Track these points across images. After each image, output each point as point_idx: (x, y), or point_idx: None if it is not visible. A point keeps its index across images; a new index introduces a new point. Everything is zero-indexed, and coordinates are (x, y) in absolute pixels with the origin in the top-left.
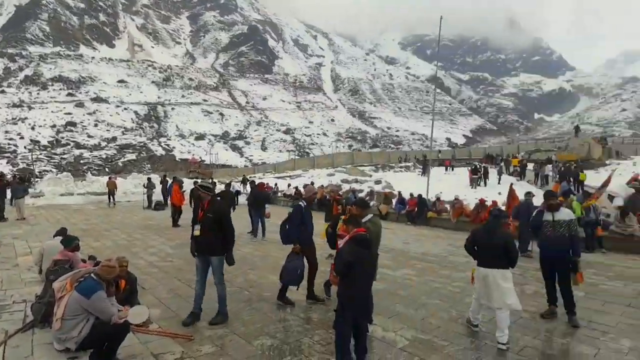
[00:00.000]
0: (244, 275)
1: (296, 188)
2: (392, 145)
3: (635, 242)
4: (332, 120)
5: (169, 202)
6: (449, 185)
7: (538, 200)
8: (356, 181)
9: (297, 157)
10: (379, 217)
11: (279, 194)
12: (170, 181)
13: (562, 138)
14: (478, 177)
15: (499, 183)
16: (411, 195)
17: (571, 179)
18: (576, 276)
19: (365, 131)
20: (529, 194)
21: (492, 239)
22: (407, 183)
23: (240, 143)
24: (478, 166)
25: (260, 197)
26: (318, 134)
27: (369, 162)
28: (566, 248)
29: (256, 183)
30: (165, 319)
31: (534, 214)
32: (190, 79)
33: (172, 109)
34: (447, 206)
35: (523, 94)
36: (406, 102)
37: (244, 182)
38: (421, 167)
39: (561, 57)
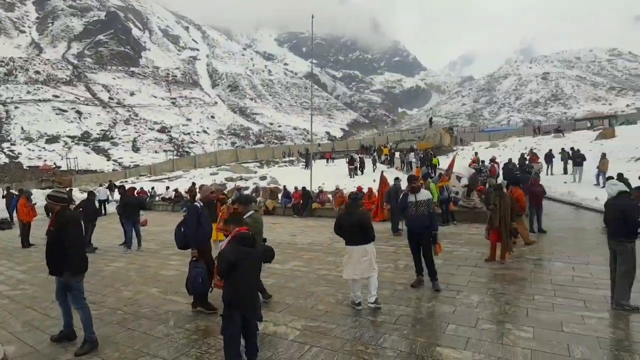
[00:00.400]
0: (116, 293)
1: (191, 187)
2: (276, 141)
3: (477, 213)
4: (213, 117)
5: (15, 218)
6: (331, 177)
7: (405, 185)
8: (241, 178)
9: (176, 157)
10: (265, 212)
11: (157, 198)
12: (16, 194)
13: (421, 129)
14: (355, 167)
15: (373, 171)
16: (296, 188)
17: (428, 164)
18: (436, 247)
19: (248, 127)
20: (397, 180)
21: (351, 219)
22: (291, 177)
23: (105, 145)
24: (354, 157)
25: (132, 204)
26: (198, 132)
27: (254, 159)
28: (427, 224)
29: (126, 188)
30: (22, 356)
31: (401, 196)
32: (37, 72)
33: (16, 107)
34: (330, 196)
35: (388, 90)
36: (286, 98)
37: (110, 188)
38: (304, 160)
39: (415, 58)
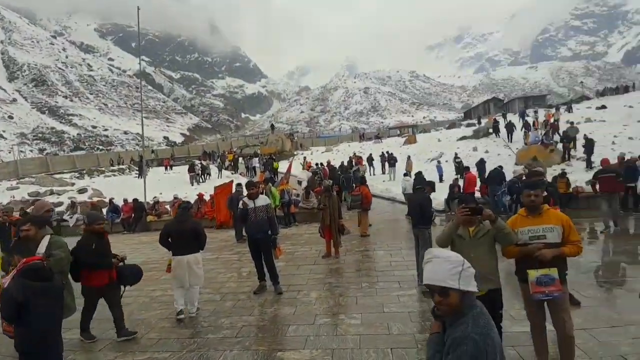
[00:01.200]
0: None
1: None
2: (102, 147)
3: (315, 213)
4: (11, 117)
5: None
6: (170, 185)
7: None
8: (52, 193)
9: None
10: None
11: None
12: None
13: (264, 134)
14: (196, 173)
15: (219, 177)
16: (125, 201)
17: (270, 168)
18: (276, 251)
19: (62, 131)
20: (239, 186)
21: (183, 228)
22: (122, 188)
23: None
24: (195, 163)
25: None
26: None
27: (71, 168)
28: (266, 229)
29: None
30: None
31: (240, 204)
32: None
33: None
34: (168, 207)
35: (230, 95)
36: (113, 98)
37: None
38: (137, 168)
39: (256, 65)
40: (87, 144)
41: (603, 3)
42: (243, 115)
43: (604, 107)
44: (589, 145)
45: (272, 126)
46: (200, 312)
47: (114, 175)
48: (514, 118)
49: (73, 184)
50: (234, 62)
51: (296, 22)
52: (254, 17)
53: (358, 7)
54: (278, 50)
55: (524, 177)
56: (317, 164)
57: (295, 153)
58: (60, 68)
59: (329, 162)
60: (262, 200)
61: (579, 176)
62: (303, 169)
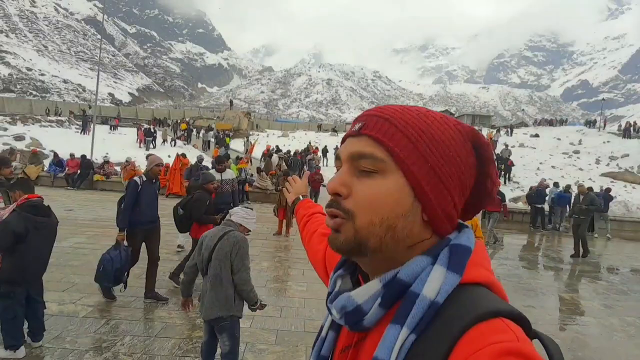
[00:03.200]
0: None
1: None
2: (35, 93)
3: (268, 194)
4: None
5: None
6: (115, 146)
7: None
8: None
9: None
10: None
11: None
12: None
13: (219, 109)
14: (153, 138)
15: (172, 146)
16: (71, 155)
17: (224, 145)
18: None
19: None
20: (200, 157)
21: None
22: (61, 142)
23: None
24: (152, 129)
25: None
26: None
27: (0, 111)
28: (229, 201)
29: None
30: None
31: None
32: None
33: None
34: (117, 168)
35: (189, 62)
36: (55, 42)
37: None
38: (80, 123)
39: (220, 35)
40: (18, 86)
41: (554, 39)
42: (200, 85)
43: (537, 135)
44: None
45: (231, 102)
46: (159, 268)
47: (51, 126)
48: None
49: (5, 129)
50: (196, 28)
51: None
52: None
53: None
54: (245, 23)
55: None
56: (287, 151)
57: (250, 133)
58: None
59: (297, 151)
60: (229, 174)
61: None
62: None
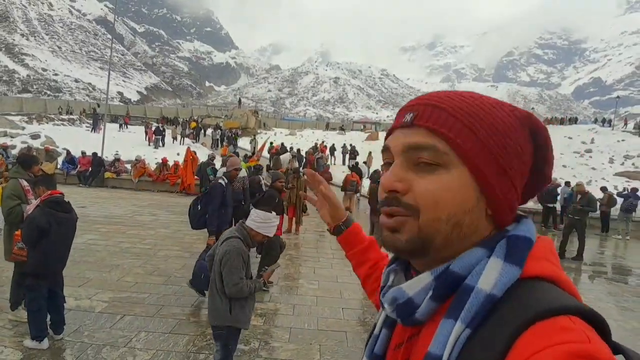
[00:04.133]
0: None
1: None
2: (49, 92)
3: None
4: None
5: None
6: (126, 144)
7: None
8: (5, 135)
9: None
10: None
11: None
12: None
13: (227, 107)
14: (162, 137)
15: (181, 144)
16: (83, 153)
17: (234, 143)
18: None
19: (13, 70)
20: (212, 155)
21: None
22: (74, 139)
23: None
24: (161, 127)
25: None
26: None
27: (19, 111)
28: (240, 198)
29: None
30: None
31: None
32: None
33: None
34: (128, 166)
35: (197, 60)
36: (68, 42)
37: None
38: (90, 122)
39: (228, 34)
40: (35, 87)
41: (566, 37)
42: (207, 84)
43: None
44: None
45: (240, 101)
46: (172, 266)
47: (64, 124)
48: None
49: (23, 128)
50: (204, 27)
51: None
52: None
53: None
54: (253, 22)
55: None
56: (296, 149)
57: (258, 131)
58: (24, 5)
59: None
60: (241, 172)
61: None
62: (269, 151)
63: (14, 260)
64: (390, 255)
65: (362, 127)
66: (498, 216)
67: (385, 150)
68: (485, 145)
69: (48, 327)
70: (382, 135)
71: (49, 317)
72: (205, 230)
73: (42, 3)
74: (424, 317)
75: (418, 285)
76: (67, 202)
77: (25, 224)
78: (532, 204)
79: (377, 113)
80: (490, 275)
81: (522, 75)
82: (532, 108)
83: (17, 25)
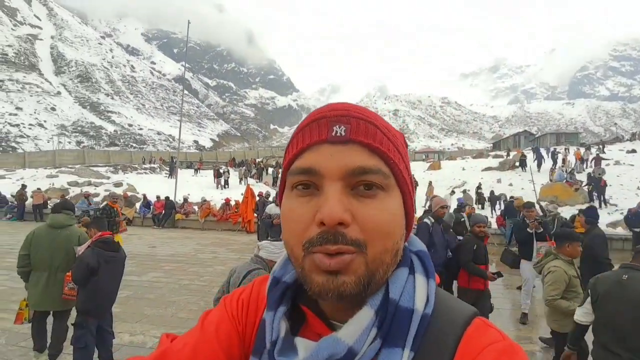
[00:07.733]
0: None
1: (20, 190)
2: (135, 145)
3: None
4: (53, 109)
5: None
6: (197, 187)
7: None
8: (89, 184)
9: None
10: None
11: None
12: None
13: None
14: (226, 179)
15: (244, 184)
16: (158, 197)
17: None
18: None
19: (100, 126)
20: (267, 193)
21: None
22: (153, 185)
23: None
24: (221, 169)
25: None
26: (31, 125)
27: (106, 163)
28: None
29: None
30: None
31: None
32: None
33: None
34: (195, 207)
35: (262, 106)
36: (151, 100)
37: None
38: (168, 168)
39: (289, 79)
40: (122, 140)
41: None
42: (272, 127)
43: (634, 150)
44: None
45: None
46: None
47: (145, 173)
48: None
49: (108, 177)
50: (268, 75)
51: (329, 35)
52: (288, 29)
53: (393, 27)
54: (311, 64)
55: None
56: None
57: None
58: (105, 67)
59: None
60: None
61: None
62: None
63: (65, 300)
64: (278, 300)
65: (424, 157)
66: (408, 234)
67: (308, 172)
68: (405, 163)
69: None
70: (444, 164)
71: (96, 353)
72: None
73: (124, 66)
74: None
75: (359, 327)
76: (115, 242)
77: (76, 264)
78: (620, 230)
79: (440, 142)
80: (422, 294)
81: (601, 89)
82: (615, 124)
83: (100, 85)
